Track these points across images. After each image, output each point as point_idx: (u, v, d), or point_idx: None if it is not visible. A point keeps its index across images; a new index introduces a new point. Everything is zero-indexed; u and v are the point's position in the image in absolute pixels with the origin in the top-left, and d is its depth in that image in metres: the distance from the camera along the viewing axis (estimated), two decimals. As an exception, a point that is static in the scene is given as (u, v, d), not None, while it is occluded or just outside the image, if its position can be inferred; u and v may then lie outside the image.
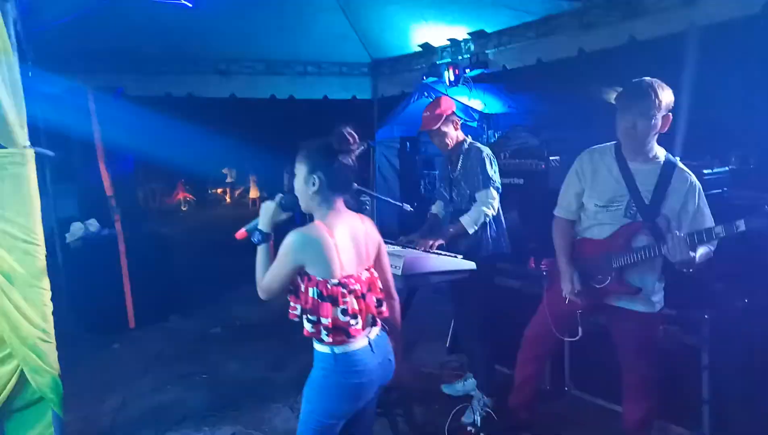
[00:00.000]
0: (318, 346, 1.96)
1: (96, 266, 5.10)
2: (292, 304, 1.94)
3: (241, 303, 5.78)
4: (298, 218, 2.16)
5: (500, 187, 3.34)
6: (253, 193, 16.96)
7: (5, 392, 2.45)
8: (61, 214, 5.67)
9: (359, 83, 7.26)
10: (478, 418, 3.26)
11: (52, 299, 2.49)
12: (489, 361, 3.43)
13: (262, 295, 1.98)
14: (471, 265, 3.01)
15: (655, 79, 2.33)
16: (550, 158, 4.26)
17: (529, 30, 5.03)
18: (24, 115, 2.40)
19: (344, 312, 1.87)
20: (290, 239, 1.87)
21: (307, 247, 1.86)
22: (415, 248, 3.18)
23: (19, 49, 2.53)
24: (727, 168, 3.62)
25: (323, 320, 1.86)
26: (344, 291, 1.88)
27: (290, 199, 2.03)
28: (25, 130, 2.44)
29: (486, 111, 7.47)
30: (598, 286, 2.54)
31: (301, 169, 1.97)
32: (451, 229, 3.32)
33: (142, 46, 5.63)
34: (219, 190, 18.91)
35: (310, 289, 1.88)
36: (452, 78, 5.77)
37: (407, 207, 3.43)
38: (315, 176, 1.93)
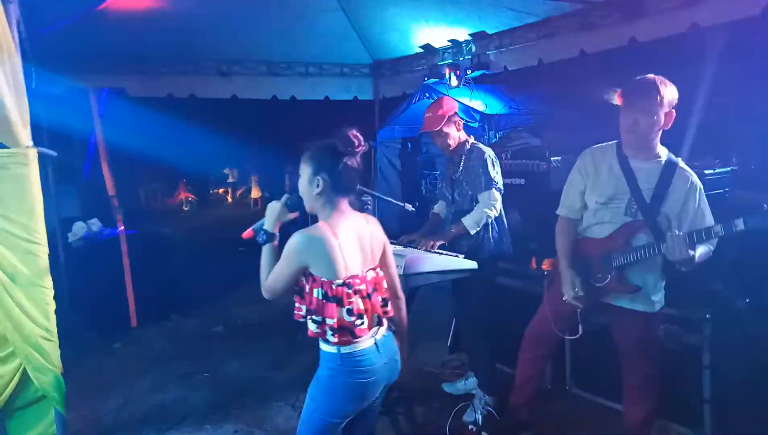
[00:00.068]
0: (324, 346, 1.97)
1: (98, 265, 5.11)
2: (297, 304, 1.94)
3: (243, 302, 5.79)
4: (301, 220, 2.17)
5: (502, 188, 3.34)
6: (255, 194, 16.97)
7: (8, 390, 2.46)
8: (64, 213, 5.68)
9: (360, 84, 7.27)
10: (480, 417, 3.26)
11: (54, 298, 2.50)
12: (490, 359, 3.43)
13: (266, 294, 1.98)
14: (472, 264, 3.02)
15: (658, 76, 2.33)
16: (552, 158, 4.27)
17: (531, 31, 5.03)
18: (27, 115, 2.41)
19: (349, 312, 1.88)
20: (294, 240, 1.87)
21: (311, 248, 1.86)
22: (416, 248, 3.19)
23: (22, 50, 2.54)
24: (728, 168, 3.63)
25: (328, 321, 1.87)
26: (349, 291, 1.88)
27: (296, 199, 2.04)
28: (28, 130, 2.45)
29: (487, 112, 7.49)
30: (598, 285, 2.54)
31: (305, 170, 1.98)
32: (452, 230, 3.33)
33: (144, 47, 5.65)
34: (221, 190, 18.93)
35: (315, 290, 1.88)
36: (455, 81, 5.79)
37: (409, 207, 3.43)
38: (319, 177, 1.93)
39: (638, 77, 2.37)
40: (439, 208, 3.69)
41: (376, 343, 1.98)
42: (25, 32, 3.17)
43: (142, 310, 5.22)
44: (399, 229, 3.66)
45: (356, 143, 1.96)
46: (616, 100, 2.46)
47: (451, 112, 3.37)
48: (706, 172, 3.26)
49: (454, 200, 3.47)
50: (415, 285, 2.95)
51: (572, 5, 4.49)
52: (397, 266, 2.63)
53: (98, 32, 5.01)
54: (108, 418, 3.50)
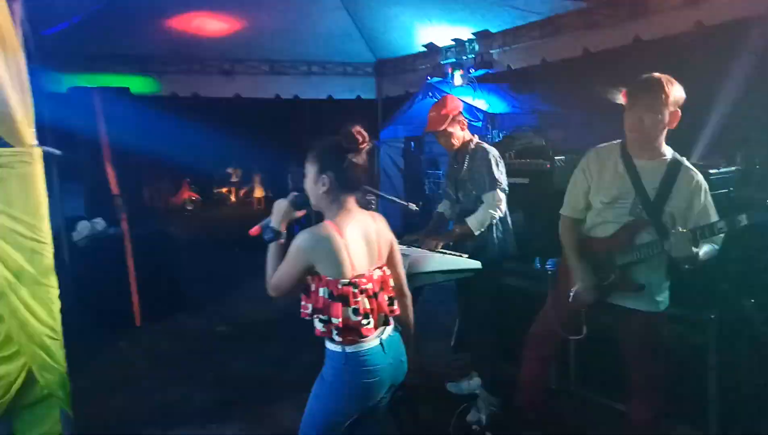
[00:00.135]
0: (329, 345, 1.96)
1: (102, 264, 5.12)
2: (303, 302, 1.93)
3: (247, 301, 5.80)
4: (304, 219, 2.16)
5: (507, 188, 3.33)
6: (258, 193, 16.96)
7: (14, 389, 2.47)
8: (68, 212, 5.69)
9: (364, 83, 7.28)
10: (484, 417, 3.26)
11: (59, 297, 2.50)
12: (494, 360, 3.43)
13: (271, 292, 1.97)
14: (476, 264, 3.02)
15: (664, 75, 2.31)
16: (555, 158, 4.25)
17: (534, 30, 5.03)
18: (32, 114, 2.41)
19: (355, 312, 1.87)
20: (300, 239, 1.87)
21: (317, 247, 1.85)
22: (420, 247, 3.19)
23: (26, 49, 2.55)
24: (733, 168, 3.61)
25: (334, 320, 1.86)
26: (355, 291, 1.87)
27: (303, 197, 2.02)
28: (33, 129, 2.46)
29: (490, 111, 7.48)
30: (602, 285, 2.53)
31: (311, 170, 1.96)
32: (457, 230, 3.33)
33: (147, 47, 5.66)
34: (224, 190, 18.91)
35: (321, 289, 1.88)
36: (459, 80, 5.79)
37: (412, 206, 3.42)
38: (325, 176, 1.92)
39: (644, 75, 2.35)
40: (443, 207, 3.68)
41: (381, 343, 1.97)
42: (29, 31, 3.17)
43: (147, 309, 5.23)
44: (402, 229, 3.65)
45: (360, 140, 1.93)
46: (621, 98, 2.45)
47: (456, 112, 3.36)
48: (711, 171, 3.24)
49: (458, 200, 3.46)
50: (418, 285, 2.94)
51: (576, 4, 4.49)
52: (402, 265, 2.63)
53: (102, 32, 5.03)
54: (113, 417, 3.51)
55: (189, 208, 16.34)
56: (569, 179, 2.73)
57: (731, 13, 3.74)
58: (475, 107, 7.32)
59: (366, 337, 1.91)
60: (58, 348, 2.49)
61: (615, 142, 2.56)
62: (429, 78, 6.35)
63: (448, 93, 5.50)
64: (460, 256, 3.07)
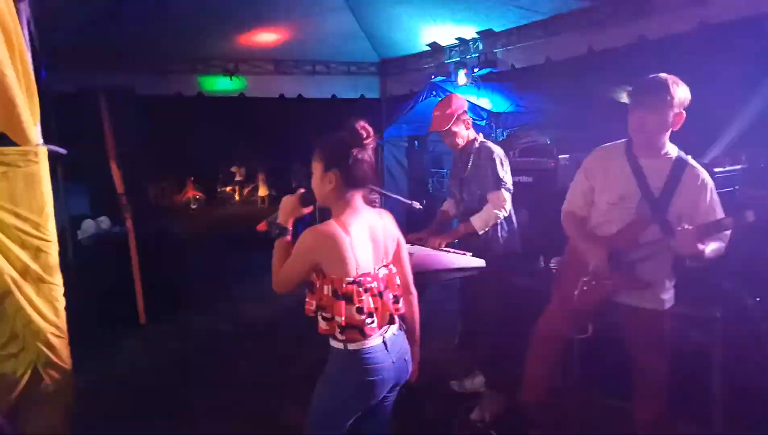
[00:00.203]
0: (333, 343, 1.96)
1: (107, 263, 5.15)
2: (308, 299, 1.93)
3: (251, 299, 5.82)
4: (308, 217, 2.16)
5: (512, 187, 3.33)
6: (262, 192, 17.01)
7: (19, 387, 2.48)
8: (73, 211, 5.72)
9: (367, 82, 7.30)
10: (487, 416, 3.26)
11: (63, 295, 2.51)
12: (498, 358, 3.43)
13: (277, 289, 1.97)
14: (480, 262, 3.02)
15: (670, 76, 2.29)
16: (560, 157, 4.25)
17: (538, 29, 5.02)
18: (37, 113, 2.43)
19: (359, 310, 1.86)
20: (305, 237, 1.87)
21: (322, 245, 1.85)
22: (424, 246, 3.19)
23: (33, 48, 2.56)
24: (738, 166, 3.60)
25: (337, 318, 1.86)
26: (360, 289, 1.86)
27: (310, 194, 2.01)
28: (38, 128, 2.47)
29: (494, 110, 7.48)
30: (607, 283, 2.53)
31: (316, 167, 1.95)
32: (461, 229, 3.33)
33: (153, 46, 5.68)
34: (228, 189, 18.98)
35: (325, 287, 1.87)
36: (463, 79, 5.79)
37: (416, 205, 3.42)
38: (330, 173, 1.90)
39: (650, 76, 2.33)
40: (448, 205, 3.68)
41: (384, 342, 1.97)
42: (35, 30, 3.19)
43: (151, 308, 5.26)
44: (406, 228, 3.65)
45: (365, 135, 1.91)
46: (626, 97, 2.44)
47: (460, 111, 3.35)
48: (716, 169, 3.23)
49: (462, 199, 3.46)
50: (423, 283, 2.95)
51: (580, 3, 4.48)
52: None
53: (107, 32, 5.05)
54: (117, 415, 3.52)
55: (193, 206, 16.39)
56: (573, 177, 2.73)
57: (735, 11, 3.73)
58: (479, 106, 7.31)
59: (369, 336, 1.90)
60: (63, 346, 2.51)
61: (620, 141, 2.55)
62: (433, 77, 6.34)
63: (452, 92, 5.49)
64: (465, 254, 3.07)
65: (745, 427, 2.84)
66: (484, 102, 6.16)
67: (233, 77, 6.33)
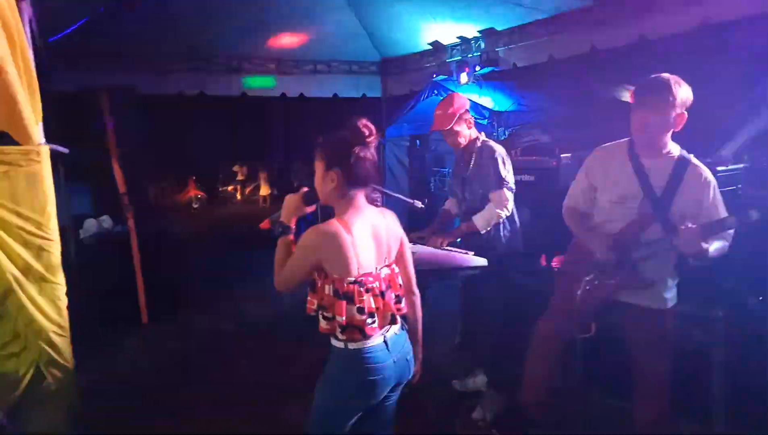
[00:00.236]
0: (333, 342, 1.96)
1: (109, 262, 5.16)
2: (309, 298, 1.93)
3: (252, 299, 5.82)
4: (310, 216, 2.16)
5: (514, 187, 3.33)
6: (264, 191, 17.02)
7: (21, 385, 2.49)
8: (75, 211, 5.72)
9: (369, 81, 7.29)
10: (489, 415, 3.26)
11: (66, 294, 2.52)
12: (500, 357, 3.42)
13: (279, 287, 1.97)
14: (482, 261, 3.02)
15: (673, 76, 2.28)
16: (562, 155, 4.24)
17: (540, 27, 5.01)
18: (39, 113, 2.43)
19: (360, 311, 1.85)
20: (307, 236, 1.86)
21: (324, 244, 1.84)
22: (426, 245, 3.19)
23: (35, 47, 2.56)
24: (740, 165, 3.59)
25: (338, 318, 1.85)
26: (361, 289, 1.85)
27: (313, 193, 2.00)
28: (40, 127, 2.47)
29: (496, 108, 7.47)
30: (610, 282, 2.53)
31: (318, 166, 1.94)
32: (463, 228, 3.32)
33: (155, 45, 5.68)
34: (230, 188, 19.00)
35: (326, 287, 1.87)
36: (464, 78, 5.78)
37: (418, 204, 3.42)
38: (333, 172, 1.89)
39: (652, 76, 2.32)
40: (450, 204, 3.68)
41: (385, 341, 1.96)
42: (37, 29, 3.19)
43: (153, 307, 5.26)
44: (407, 227, 3.65)
45: (367, 133, 1.89)
46: (628, 96, 2.44)
47: (462, 110, 3.35)
48: (719, 168, 3.23)
49: (465, 198, 3.46)
50: (424, 282, 2.94)
51: (582, 1, 4.47)
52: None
53: (109, 31, 5.05)
54: (119, 414, 3.52)
55: (195, 205, 16.40)
56: (575, 176, 2.73)
57: (738, 10, 3.72)
58: (481, 105, 7.31)
59: (370, 336, 1.89)
60: (65, 345, 2.51)
61: (622, 140, 2.55)
62: (434, 76, 6.34)
63: (453, 91, 5.49)
64: (467, 253, 3.07)
65: (747, 426, 2.83)
66: (486, 101, 6.15)
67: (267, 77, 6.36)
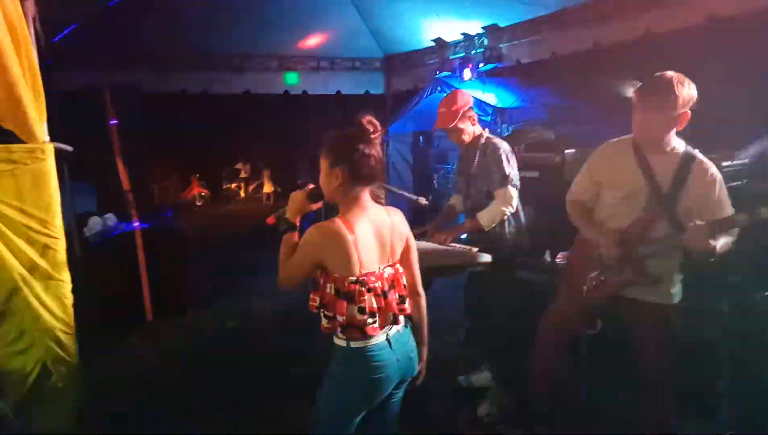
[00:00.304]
0: (336, 340, 1.95)
1: (114, 260, 5.16)
2: (311, 296, 1.91)
3: (257, 296, 5.82)
4: (312, 214, 2.15)
5: (518, 183, 3.32)
6: (267, 188, 17.01)
7: (28, 382, 2.50)
8: (80, 209, 5.73)
9: (372, 78, 7.30)
10: (495, 410, 3.26)
11: (72, 292, 2.53)
12: (505, 353, 3.42)
13: (282, 283, 1.95)
14: (487, 257, 3.01)
15: (677, 74, 2.26)
16: (565, 151, 4.23)
17: (544, 24, 5.00)
18: (44, 111, 2.44)
19: (361, 310, 1.84)
20: (309, 234, 1.85)
21: (325, 243, 1.83)
22: (430, 240, 3.19)
23: (39, 46, 2.57)
24: (746, 160, 3.57)
25: (339, 317, 1.84)
26: (362, 289, 1.84)
27: (319, 190, 1.98)
28: (45, 125, 2.48)
29: (500, 105, 7.46)
30: (615, 278, 2.52)
31: (323, 164, 1.91)
32: (467, 224, 3.32)
33: (158, 44, 5.69)
34: (233, 186, 18.99)
35: (328, 285, 1.86)
36: (468, 75, 5.77)
37: (422, 200, 3.41)
38: (337, 169, 1.87)
39: (656, 74, 2.30)
40: (455, 201, 3.67)
41: (388, 339, 1.94)
42: (41, 28, 3.20)
43: (158, 305, 5.27)
44: (411, 223, 3.65)
45: (371, 130, 1.87)
46: (631, 93, 2.42)
47: (466, 108, 3.34)
48: (724, 164, 3.21)
49: (469, 195, 3.45)
50: (429, 278, 2.95)
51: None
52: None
53: (113, 29, 5.06)
54: (124, 411, 3.53)
55: (198, 203, 16.42)
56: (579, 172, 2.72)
57: (743, 4, 3.71)
58: (485, 101, 7.30)
59: (371, 336, 1.88)
60: (70, 342, 2.52)
61: (627, 136, 2.54)
62: (438, 73, 6.33)
63: (457, 88, 5.48)
64: (471, 249, 3.07)
65: (753, 421, 2.82)
66: (490, 97, 6.14)
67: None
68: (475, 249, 3.05)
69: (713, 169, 2.36)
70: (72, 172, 5.34)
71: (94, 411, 3.06)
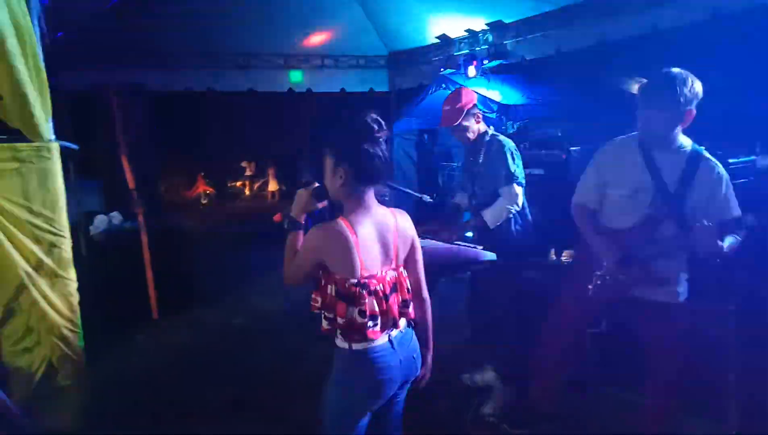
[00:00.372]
0: (337, 342, 1.93)
1: (119, 258, 5.18)
2: (313, 295, 1.90)
3: (262, 294, 5.83)
4: (317, 212, 2.14)
5: (524, 181, 3.30)
6: (272, 186, 17.03)
7: (34, 380, 2.51)
8: (86, 207, 5.75)
9: (376, 76, 7.28)
10: (499, 409, 3.25)
11: (78, 290, 2.54)
12: (510, 352, 3.42)
13: (286, 281, 1.94)
14: (491, 256, 3.00)
15: (682, 71, 2.24)
16: (571, 148, 4.22)
17: (549, 20, 4.97)
18: (49, 110, 2.44)
19: (362, 313, 1.81)
20: (311, 235, 1.83)
21: (327, 244, 1.81)
22: (435, 238, 3.18)
23: (44, 44, 2.57)
24: (752, 157, 3.55)
25: (339, 319, 1.82)
26: (363, 292, 1.81)
27: (323, 189, 1.96)
28: (51, 124, 2.49)
29: (504, 102, 7.43)
30: (621, 278, 2.51)
31: (328, 162, 1.88)
32: (472, 223, 3.31)
33: (163, 42, 5.70)
34: (238, 183, 19.02)
35: (329, 286, 1.84)
36: (472, 72, 5.75)
37: (426, 198, 3.41)
38: (341, 168, 1.84)
39: (662, 71, 2.28)
40: (460, 198, 3.66)
41: (390, 341, 1.92)
42: (46, 27, 3.21)
43: (163, 303, 5.28)
44: (415, 221, 3.64)
45: (376, 128, 1.83)
46: (636, 90, 2.41)
47: (470, 105, 3.33)
48: (730, 161, 3.19)
49: (475, 193, 3.44)
50: (433, 277, 2.94)
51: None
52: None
53: (118, 28, 5.06)
54: (129, 409, 3.54)
55: (204, 201, 16.45)
56: (585, 169, 2.71)
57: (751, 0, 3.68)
58: (489, 98, 7.27)
59: (372, 339, 1.85)
60: (76, 340, 2.53)
61: (632, 134, 2.52)
62: (442, 70, 6.31)
63: (461, 85, 5.46)
64: (476, 247, 3.06)
65: (759, 420, 2.81)
66: (494, 94, 6.11)
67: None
68: (480, 247, 3.04)
69: (720, 168, 2.35)
70: (78, 170, 5.37)
71: (100, 409, 3.07)
